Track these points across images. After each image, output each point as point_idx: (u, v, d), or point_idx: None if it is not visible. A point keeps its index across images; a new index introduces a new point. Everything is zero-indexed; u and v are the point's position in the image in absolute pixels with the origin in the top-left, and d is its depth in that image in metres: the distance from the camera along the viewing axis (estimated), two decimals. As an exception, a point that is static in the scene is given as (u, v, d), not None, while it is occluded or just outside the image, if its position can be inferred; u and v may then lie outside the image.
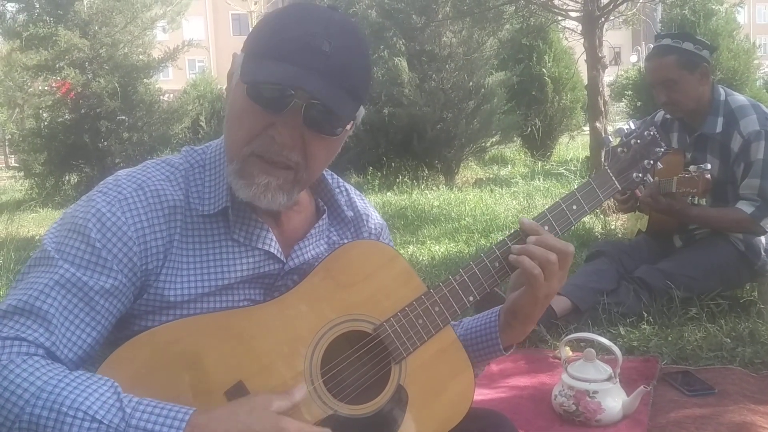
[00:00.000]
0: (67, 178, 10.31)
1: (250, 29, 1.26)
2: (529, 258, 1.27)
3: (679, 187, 2.79)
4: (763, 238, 3.04)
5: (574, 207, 1.36)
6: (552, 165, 9.75)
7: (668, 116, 3.20)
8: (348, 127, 1.23)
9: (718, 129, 3.01)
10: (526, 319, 1.36)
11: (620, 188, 1.40)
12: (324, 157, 1.22)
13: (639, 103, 9.85)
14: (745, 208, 2.93)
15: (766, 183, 2.91)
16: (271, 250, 1.25)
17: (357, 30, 1.21)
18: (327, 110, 1.14)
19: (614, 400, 2.12)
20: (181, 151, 1.30)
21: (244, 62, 1.18)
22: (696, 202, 3.03)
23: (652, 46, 3.24)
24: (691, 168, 2.76)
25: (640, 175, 1.41)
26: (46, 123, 10.14)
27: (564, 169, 8.40)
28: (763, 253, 3.04)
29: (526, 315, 1.35)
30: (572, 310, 2.95)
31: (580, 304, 2.95)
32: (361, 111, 1.25)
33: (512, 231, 1.34)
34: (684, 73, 3.01)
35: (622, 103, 12.46)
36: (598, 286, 3.03)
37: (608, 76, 7.12)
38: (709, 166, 2.74)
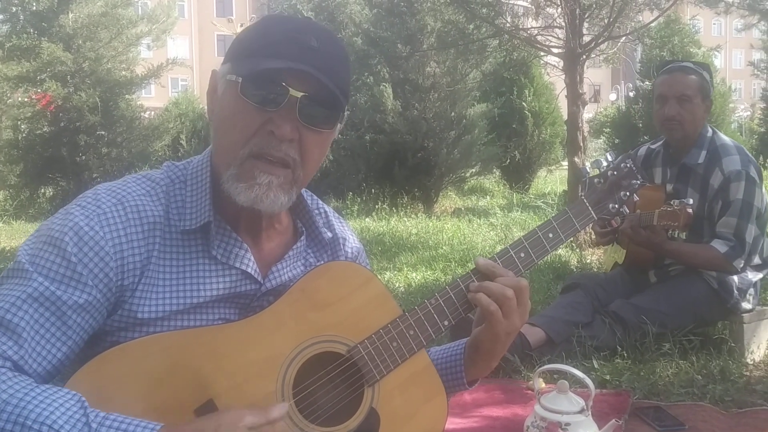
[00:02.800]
0: (42, 191, 10.19)
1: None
2: (486, 295, 1.27)
3: (660, 220, 2.82)
4: (735, 277, 3.07)
5: (551, 235, 1.37)
6: (530, 198, 9.84)
7: (653, 147, 3.24)
8: (339, 123, 1.24)
9: (700, 160, 3.05)
10: (488, 355, 1.37)
11: (596, 218, 1.42)
12: (317, 154, 1.23)
13: (617, 141, 10.03)
14: (720, 247, 2.96)
15: (742, 223, 2.95)
16: (248, 270, 1.24)
17: (335, 34, 1.25)
18: (325, 101, 1.16)
19: (586, 433, 2.11)
20: (162, 167, 1.29)
21: (234, 64, 1.18)
22: (676, 235, 3.06)
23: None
24: (674, 202, 2.80)
25: (616, 206, 1.43)
26: (24, 135, 10.01)
27: (542, 202, 8.48)
28: (735, 292, 3.07)
29: (487, 351, 1.36)
30: (546, 342, 2.94)
31: (555, 337, 2.95)
32: (345, 112, 1.26)
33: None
34: (699, 96, 3.09)
35: (601, 140, 12.67)
36: (572, 319, 3.03)
37: (587, 113, 7.24)
38: (691, 201, 2.78)
